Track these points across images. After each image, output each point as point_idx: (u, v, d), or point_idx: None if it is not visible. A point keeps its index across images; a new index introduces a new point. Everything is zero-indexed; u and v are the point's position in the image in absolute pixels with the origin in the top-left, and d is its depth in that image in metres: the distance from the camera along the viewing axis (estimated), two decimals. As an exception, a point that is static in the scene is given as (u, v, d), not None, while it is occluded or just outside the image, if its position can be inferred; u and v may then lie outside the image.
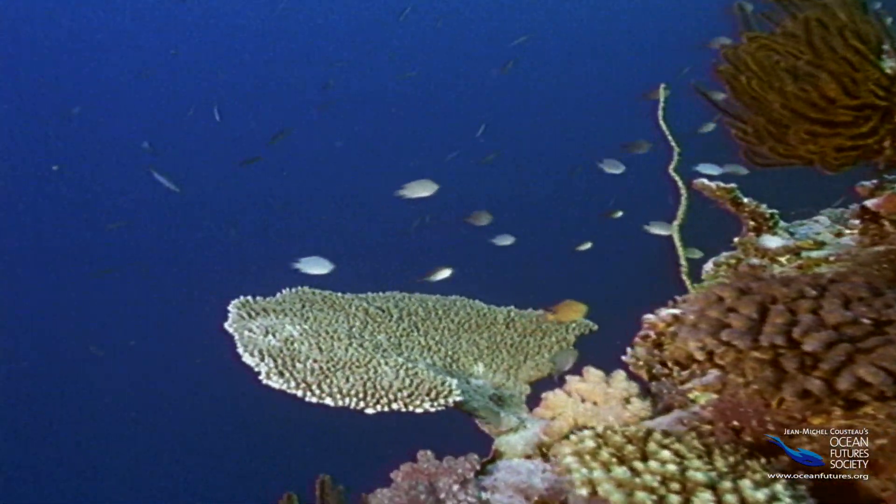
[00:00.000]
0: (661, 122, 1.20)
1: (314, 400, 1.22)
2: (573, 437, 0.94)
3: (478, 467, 1.32)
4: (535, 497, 1.25)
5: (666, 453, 0.80)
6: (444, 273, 1.80)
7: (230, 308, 1.42)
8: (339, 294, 1.55)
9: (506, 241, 1.99)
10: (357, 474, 1.34)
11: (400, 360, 1.30)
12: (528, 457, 1.37)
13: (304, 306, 1.47)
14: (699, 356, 0.82)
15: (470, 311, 1.62)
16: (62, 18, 10.86)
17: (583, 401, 1.14)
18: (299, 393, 1.22)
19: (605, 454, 0.86)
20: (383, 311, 1.53)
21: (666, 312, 0.92)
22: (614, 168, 1.90)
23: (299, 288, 1.54)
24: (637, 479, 0.79)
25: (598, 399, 1.12)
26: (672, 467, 0.78)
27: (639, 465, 0.82)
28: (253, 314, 1.41)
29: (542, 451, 1.36)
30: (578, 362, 1.48)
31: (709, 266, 1.52)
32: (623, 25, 10.92)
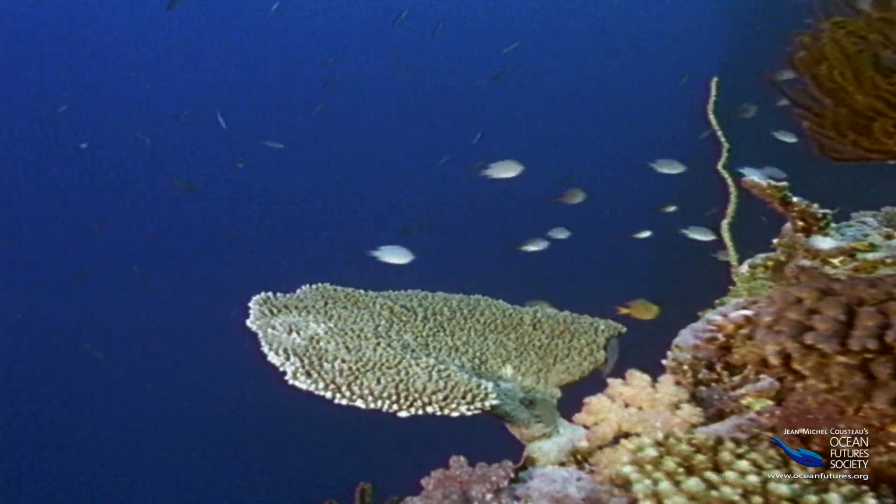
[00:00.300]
0: (711, 117, 1.16)
1: (344, 402, 1.16)
2: (630, 445, 0.89)
3: (512, 475, 1.27)
4: (570, 506, 1.20)
5: (744, 463, 0.75)
6: (541, 244, 1.74)
7: (251, 304, 1.36)
8: (362, 291, 1.49)
9: (561, 234, 1.94)
10: (382, 480, 1.29)
11: (431, 361, 1.24)
12: (562, 464, 1.33)
13: (326, 303, 1.41)
14: (774, 360, 0.77)
15: (495, 311, 1.57)
16: (60, 16, 10.73)
17: (626, 406, 1.09)
18: (328, 394, 1.16)
19: (670, 464, 0.81)
20: (408, 310, 1.47)
21: (737, 314, 0.88)
22: (671, 168, 1.84)
23: (319, 284, 1.48)
24: (714, 493, 0.74)
25: (643, 404, 1.07)
26: (753, 479, 0.73)
27: (712, 476, 0.77)
28: (275, 311, 1.35)
29: (577, 459, 1.31)
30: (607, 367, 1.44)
31: (744, 268, 1.48)
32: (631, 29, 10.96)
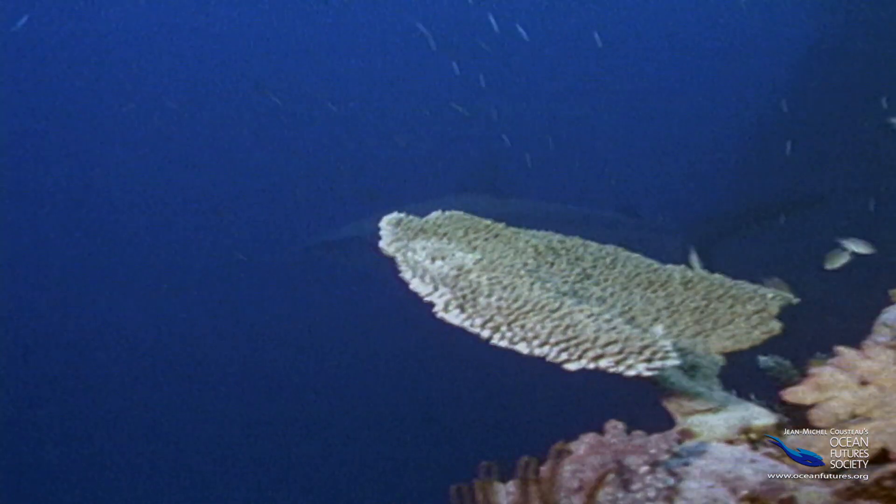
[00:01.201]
0: None
1: (503, 344, 0.98)
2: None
3: (675, 449, 1.09)
4: (744, 491, 1.01)
5: None
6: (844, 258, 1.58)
7: (382, 224, 1.17)
8: (501, 224, 1.29)
9: (864, 248, 1.76)
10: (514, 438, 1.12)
11: (595, 309, 1.05)
12: (730, 442, 1.14)
13: (466, 233, 1.22)
14: None
15: (638, 264, 1.37)
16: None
17: (863, 384, 0.90)
18: (485, 333, 0.98)
19: None
20: (553, 251, 1.28)
21: None
22: None
23: (454, 212, 1.28)
24: None
25: (887, 384, 0.87)
26: None
27: None
28: (410, 234, 1.16)
29: (750, 438, 1.13)
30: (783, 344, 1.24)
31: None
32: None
